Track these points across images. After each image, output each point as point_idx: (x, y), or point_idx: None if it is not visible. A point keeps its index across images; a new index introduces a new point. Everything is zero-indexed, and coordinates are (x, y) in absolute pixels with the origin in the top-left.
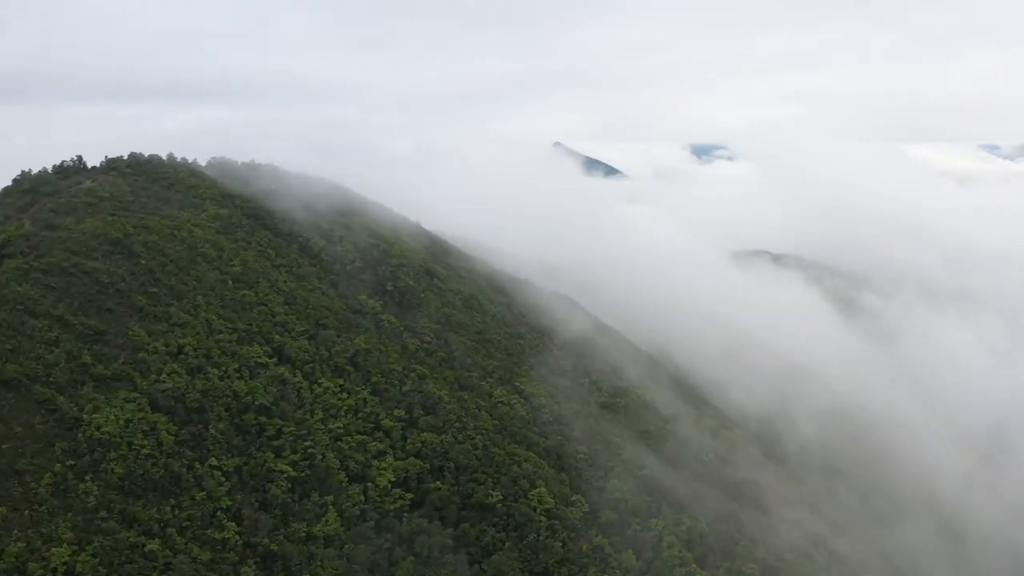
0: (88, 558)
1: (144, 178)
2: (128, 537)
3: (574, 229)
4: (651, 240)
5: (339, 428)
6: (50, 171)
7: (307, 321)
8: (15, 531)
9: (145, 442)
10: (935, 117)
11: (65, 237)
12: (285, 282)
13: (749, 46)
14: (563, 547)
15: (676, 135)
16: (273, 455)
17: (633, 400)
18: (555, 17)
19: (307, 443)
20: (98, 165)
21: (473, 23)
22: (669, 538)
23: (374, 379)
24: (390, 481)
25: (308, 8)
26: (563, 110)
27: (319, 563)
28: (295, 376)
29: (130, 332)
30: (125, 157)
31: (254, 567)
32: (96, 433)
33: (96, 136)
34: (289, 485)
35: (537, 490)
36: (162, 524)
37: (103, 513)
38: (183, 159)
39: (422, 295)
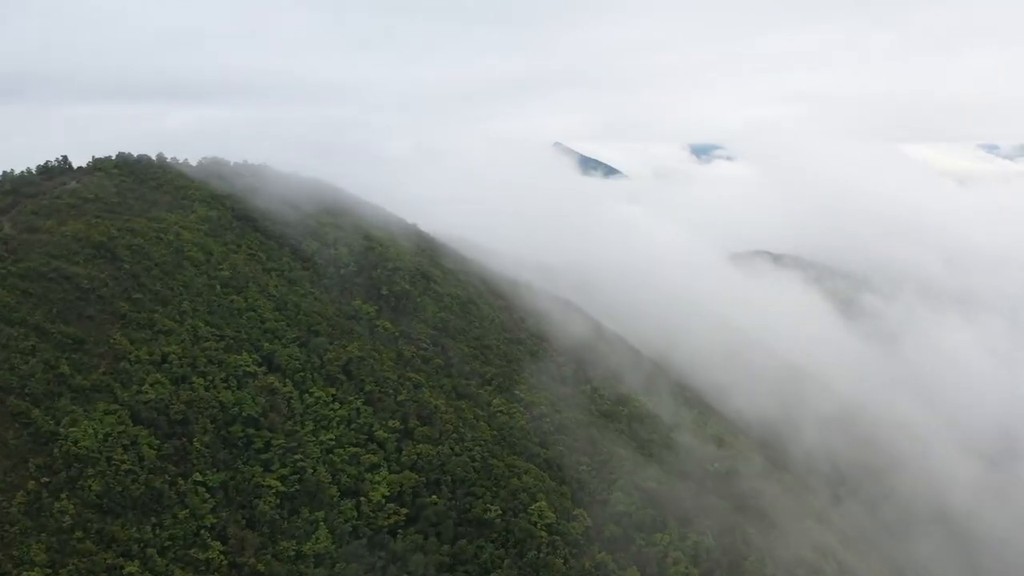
0: None
1: (131, 179)
2: (106, 559)
3: (573, 229)
4: (651, 240)
5: (331, 440)
6: (33, 171)
7: (298, 328)
8: None
9: (125, 457)
10: (935, 117)
11: (46, 240)
12: (276, 287)
13: (749, 46)
14: (565, 564)
15: (676, 135)
16: (261, 469)
17: (636, 408)
18: (555, 17)
19: (297, 456)
20: (84, 165)
21: (473, 23)
22: (675, 554)
23: (368, 388)
24: (384, 496)
25: (308, 8)
26: (563, 110)
27: None
28: (285, 386)
29: (111, 340)
30: (113, 157)
31: None
32: (73, 448)
33: (94, 136)
34: (278, 501)
35: (537, 504)
36: (142, 544)
37: (79, 533)
38: (173, 159)
39: (418, 300)
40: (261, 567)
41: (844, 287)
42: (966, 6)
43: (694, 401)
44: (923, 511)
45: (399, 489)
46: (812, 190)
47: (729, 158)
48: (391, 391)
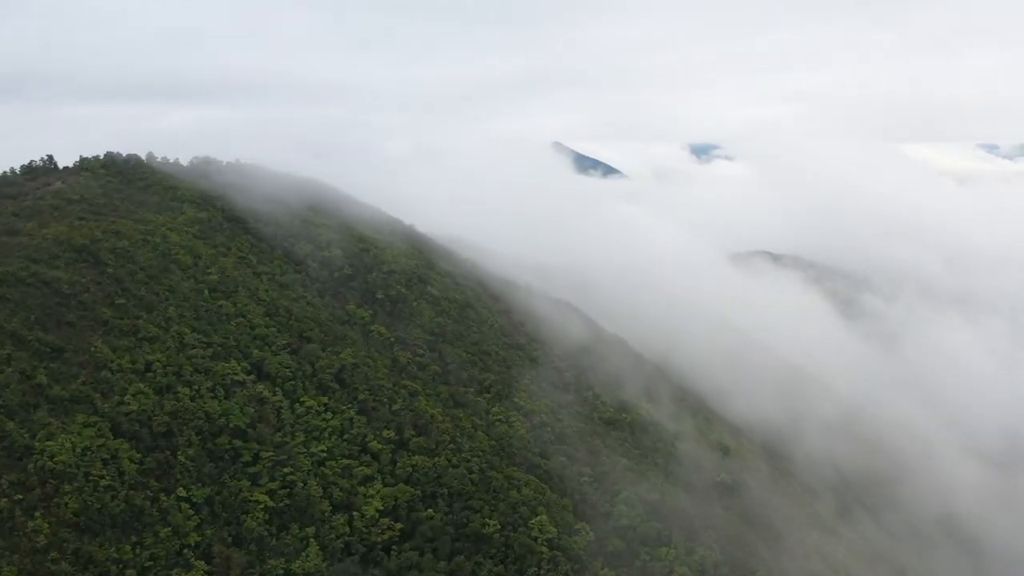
0: None
1: (118, 179)
2: None
3: (573, 230)
4: (650, 241)
5: (322, 452)
6: (17, 171)
7: (289, 334)
8: None
9: (104, 472)
10: (935, 117)
11: (25, 243)
12: (266, 291)
13: (749, 46)
14: None
15: (675, 135)
16: (249, 483)
17: (638, 415)
18: (555, 17)
19: (287, 469)
20: (71, 165)
21: (473, 23)
22: (681, 569)
23: (361, 397)
24: (378, 510)
25: (308, 8)
26: (563, 110)
27: None
28: (275, 395)
29: (92, 348)
30: (101, 156)
31: None
32: (49, 463)
33: (93, 136)
34: (266, 517)
35: (538, 518)
36: (121, 565)
37: (54, 554)
38: (164, 159)
39: (414, 304)
40: None
41: (844, 287)
42: (966, 6)
43: (697, 406)
44: (930, 519)
45: (393, 503)
46: (812, 190)
47: (729, 158)
48: (385, 400)
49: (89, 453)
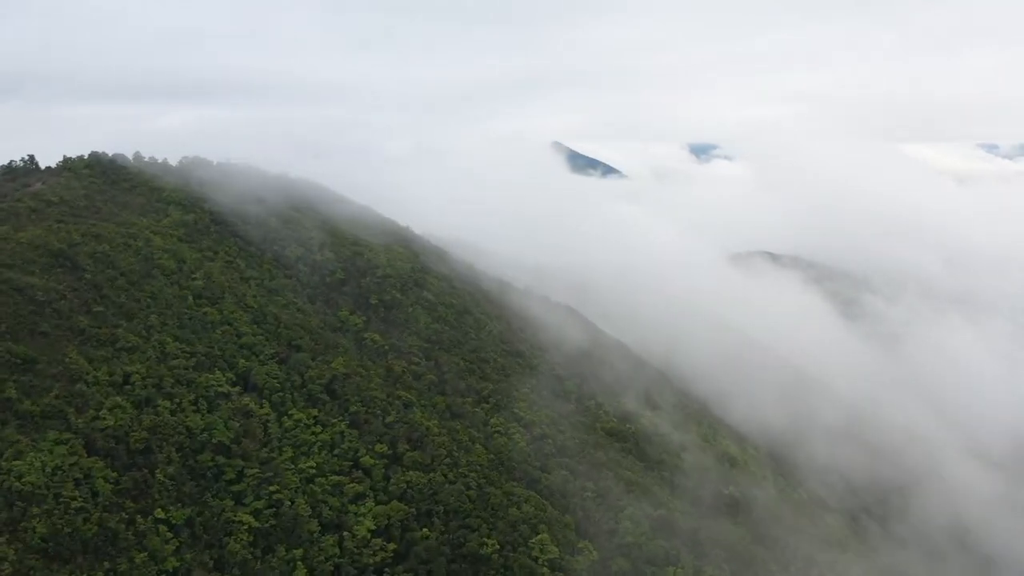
0: None
1: (102, 180)
2: None
3: (573, 230)
4: (650, 241)
5: (311, 468)
6: None
7: (278, 342)
8: None
9: (76, 493)
10: (934, 117)
11: None
12: (254, 297)
13: (749, 46)
14: None
15: (675, 135)
16: (232, 503)
17: (642, 425)
18: (555, 17)
19: (273, 487)
20: (53, 166)
21: (473, 23)
22: None
23: (353, 409)
24: (369, 530)
25: (308, 8)
26: (563, 110)
27: None
28: (262, 407)
29: (67, 360)
30: (86, 156)
31: None
32: (16, 484)
33: (93, 136)
34: (250, 538)
35: (539, 537)
36: None
37: None
38: (152, 158)
39: (410, 310)
40: None
41: (844, 288)
42: (966, 6)
43: (701, 413)
44: (940, 528)
45: (386, 522)
46: (811, 190)
47: (728, 158)
48: (379, 412)
49: (60, 473)
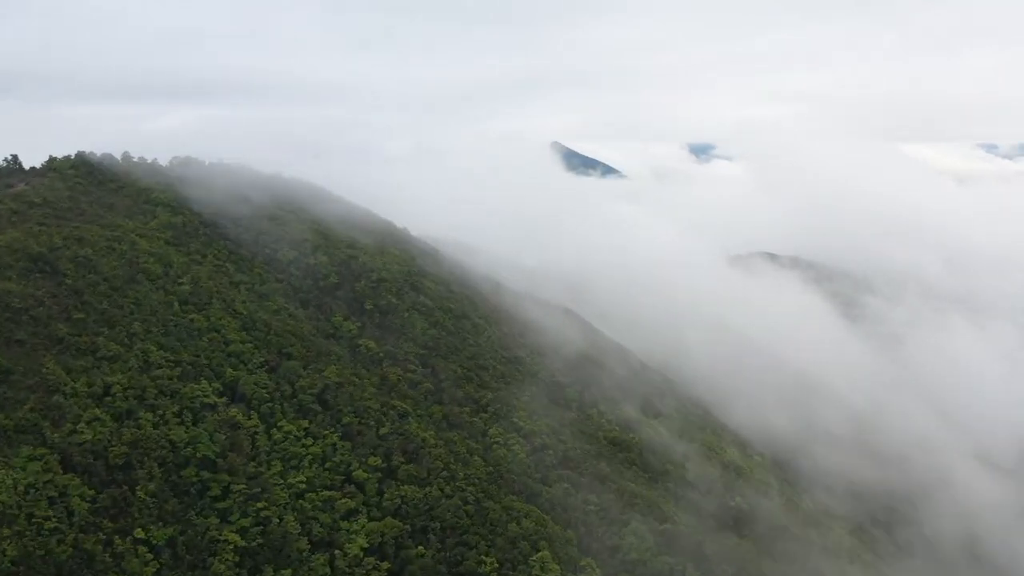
0: None
1: (88, 181)
2: None
3: (572, 230)
4: (650, 242)
5: (301, 483)
6: None
7: (267, 350)
8: None
9: (50, 512)
10: (934, 117)
11: None
12: (243, 303)
13: (749, 46)
14: None
15: (675, 135)
16: (217, 520)
17: (646, 433)
18: (555, 17)
19: (260, 504)
20: (38, 166)
21: (473, 23)
22: None
23: (346, 420)
24: (362, 548)
25: (308, 8)
26: (563, 110)
27: None
28: (249, 419)
29: (44, 370)
30: (72, 156)
31: None
32: None
33: (93, 136)
34: (236, 559)
35: (540, 554)
36: None
37: None
38: (141, 158)
39: (406, 315)
40: None
41: (844, 288)
42: (966, 6)
43: (704, 418)
44: (950, 538)
45: (380, 539)
46: (811, 190)
47: (728, 158)
48: (372, 423)
49: (33, 491)
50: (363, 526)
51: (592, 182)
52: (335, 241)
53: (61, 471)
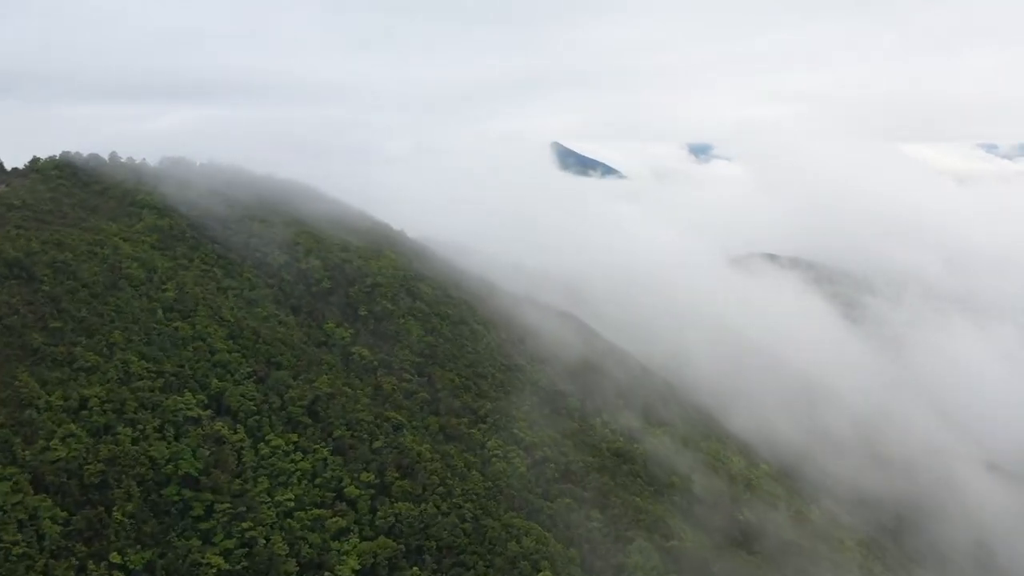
0: None
1: (71, 182)
2: None
3: (572, 231)
4: (650, 243)
5: (289, 501)
6: None
7: (255, 359)
8: None
9: (19, 537)
10: (934, 117)
11: None
12: (231, 309)
13: (749, 46)
14: None
15: (675, 135)
16: (199, 542)
17: (650, 443)
18: (555, 17)
19: (245, 524)
20: (21, 167)
21: (473, 23)
22: None
23: (337, 433)
24: (354, 570)
25: (308, 8)
26: (563, 110)
27: None
28: (235, 433)
29: (16, 382)
30: (57, 156)
31: None
32: None
33: (93, 136)
34: None
35: (541, 574)
36: None
37: None
38: (129, 159)
39: (402, 321)
40: None
41: (845, 289)
42: (966, 6)
43: (709, 426)
44: (961, 547)
45: (373, 560)
46: (811, 190)
47: (728, 158)
48: (366, 436)
49: (1, 514)
50: (355, 546)
51: (592, 182)
52: (328, 244)
53: (32, 491)
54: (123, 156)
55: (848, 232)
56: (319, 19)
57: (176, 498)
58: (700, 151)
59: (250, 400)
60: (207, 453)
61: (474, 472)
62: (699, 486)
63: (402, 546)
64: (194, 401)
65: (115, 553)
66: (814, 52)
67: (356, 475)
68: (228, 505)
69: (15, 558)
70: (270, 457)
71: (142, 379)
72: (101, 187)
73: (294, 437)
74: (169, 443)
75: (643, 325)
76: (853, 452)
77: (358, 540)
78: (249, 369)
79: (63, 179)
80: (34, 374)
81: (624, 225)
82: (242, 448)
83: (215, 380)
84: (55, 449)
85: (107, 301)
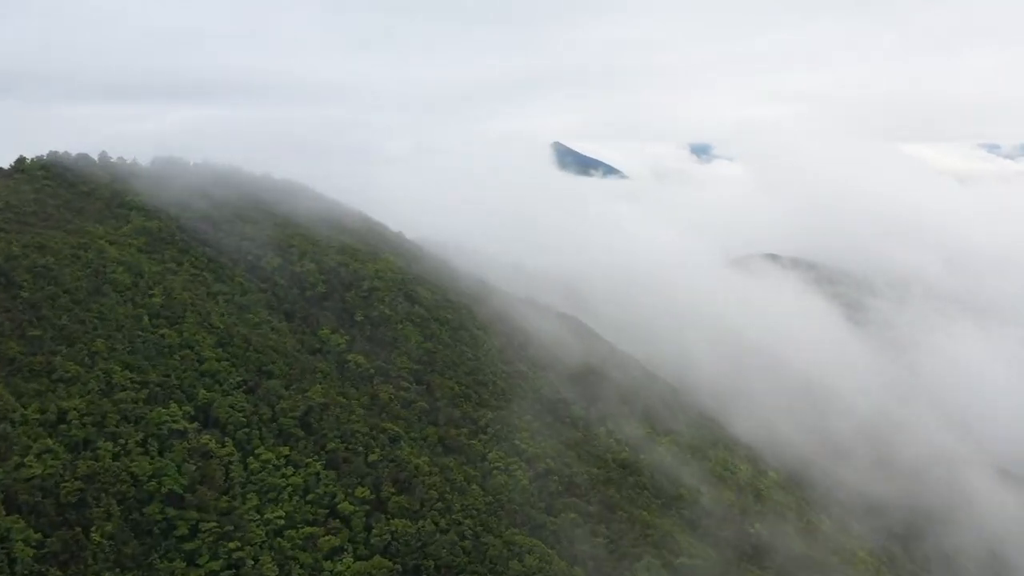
0: None
1: (57, 183)
2: None
3: (573, 231)
4: (652, 243)
5: (279, 519)
6: None
7: (246, 368)
8: None
9: None
10: (935, 117)
11: None
12: (221, 316)
13: (749, 46)
14: None
15: (675, 135)
16: (184, 564)
17: (657, 453)
18: (555, 17)
19: (233, 543)
20: (5, 167)
21: (473, 23)
22: None
23: (331, 446)
24: None
25: (308, 8)
26: (563, 110)
27: None
28: (223, 446)
29: None
30: (45, 156)
31: None
32: None
33: (93, 137)
34: None
35: None
36: None
37: None
38: (120, 159)
39: (399, 327)
40: None
41: (847, 290)
42: (966, 6)
43: (716, 433)
44: (975, 557)
45: None
46: (812, 190)
47: (729, 158)
48: (361, 448)
49: None
50: (348, 566)
51: (594, 182)
52: (324, 247)
53: (4, 512)
54: (114, 156)
55: (849, 232)
56: (319, 19)
57: (159, 517)
58: (702, 151)
59: (239, 411)
60: (193, 468)
61: (474, 486)
62: (707, 498)
63: (398, 566)
64: (180, 413)
65: None
66: (814, 52)
67: (350, 490)
68: (214, 524)
69: None
70: (260, 472)
71: (125, 390)
72: (88, 188)
73: (285, 450)
74: (152, 458)
75: (645, 326)
76: (859, 456)
77: (352, 560)
78: (239, 378)
79: (49, 180)
80: (9, 385)
81: (625, 225)
82: (230, 463)
83: (203, 390)
84: (30, 466)
85: (90, 308)
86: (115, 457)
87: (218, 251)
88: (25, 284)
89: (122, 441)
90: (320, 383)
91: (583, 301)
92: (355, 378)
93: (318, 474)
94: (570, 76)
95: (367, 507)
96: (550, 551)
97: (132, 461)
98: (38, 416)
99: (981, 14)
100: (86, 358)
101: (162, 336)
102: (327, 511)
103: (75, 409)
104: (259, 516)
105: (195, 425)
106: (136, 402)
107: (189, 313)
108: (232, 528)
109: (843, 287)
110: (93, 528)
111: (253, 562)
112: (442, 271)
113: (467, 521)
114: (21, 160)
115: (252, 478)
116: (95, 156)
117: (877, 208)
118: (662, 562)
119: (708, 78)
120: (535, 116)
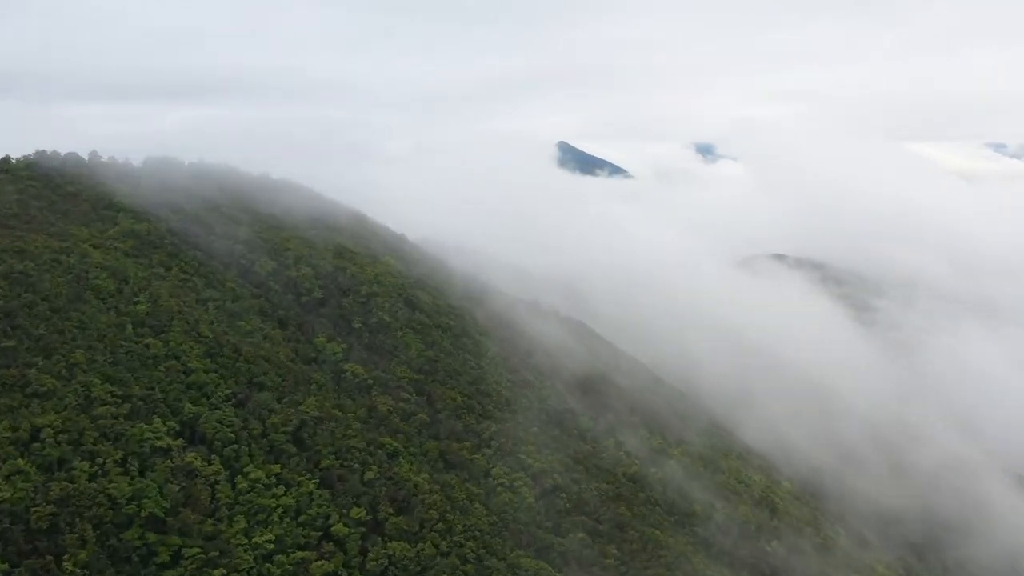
0: None
1: (42, 184)
2: None
3: (576, 232)
4: (657, 244)
5: (269, 543)
6: None
7: (235, 380)
8: None
9: None
10: (940, 116)
11: None
12: (210, 324)
13: (749, 46)
14: None
15: (676, 135)
16: None
17: (669, 466)
18: (555, 17)
19: (218, 571)
20: None
21: (473, 23)
22: None
23: (325, 463)
24: None
25: (308, 7)
26: (564, 110)
27: None
28: (210, 464)
29: None
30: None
31: None
32: None
33: (92, 136)
34: None
35: None
36: None
37: None
38: (111, 159)
39: (399, 334)
40: None
41: (853, 290)
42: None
43: (728, 442)
44: (989, 565)
45: None
46: (815, 190)
47: (733, 158)
48: (357, 465)
49: None
50: None
51: (598, 182)
52: (321, 250)
53: None
54: (107, 156)
55: (854, 232)
56: (319, 19)
57: (138, 543)
58: (705, 151)
59: (227, 427)
60: (176, 489)
61: (477, 505)
62: (721, 513)
63: None
64: (163, 429)
65: None
66: (814, 52)
67: (345, 511)
68: (199, 550)
69: None
70: (248, 492)
71: (105, 405)
72: (75, 189)
73: (276, 468)
74: (132, 479)
75: (650, 327)
76: (870, 462)
77: None
78: (227, 391)
79: (33, 180)
80: None
81: (630, 226)
82: (217, 482)
83: (188, 404)
84: None
85: (69, 316)
86: (92, 478)
87: (209, 255)
88: (0, 291)
89: (100, 460)
90: (314, 395)
91: (585, 302)
92: (352, 389)
93: (311, 494)
94: (570, 76)
95: (363, 529)
96: (557, 574)
97: (110, 482)
98: (9, 434)
99: (981, 14)
100: (63, 370)
101: (146, 346)
102: (320, 534)
103: (50, 426)
104: (247, 540)
105: (180, 442)
106: (116, 418)
107: (176, 321)
108: (218, 554)
109: (850, 287)
110: (66, 556)
111: None
112: (443, 274)
113: (469, 543)
114: (6, 160)
115: (240, 499)
116: (77, 155)
117: (882, 208)
118: None
119: (708, 78)
120: (535, 116)
